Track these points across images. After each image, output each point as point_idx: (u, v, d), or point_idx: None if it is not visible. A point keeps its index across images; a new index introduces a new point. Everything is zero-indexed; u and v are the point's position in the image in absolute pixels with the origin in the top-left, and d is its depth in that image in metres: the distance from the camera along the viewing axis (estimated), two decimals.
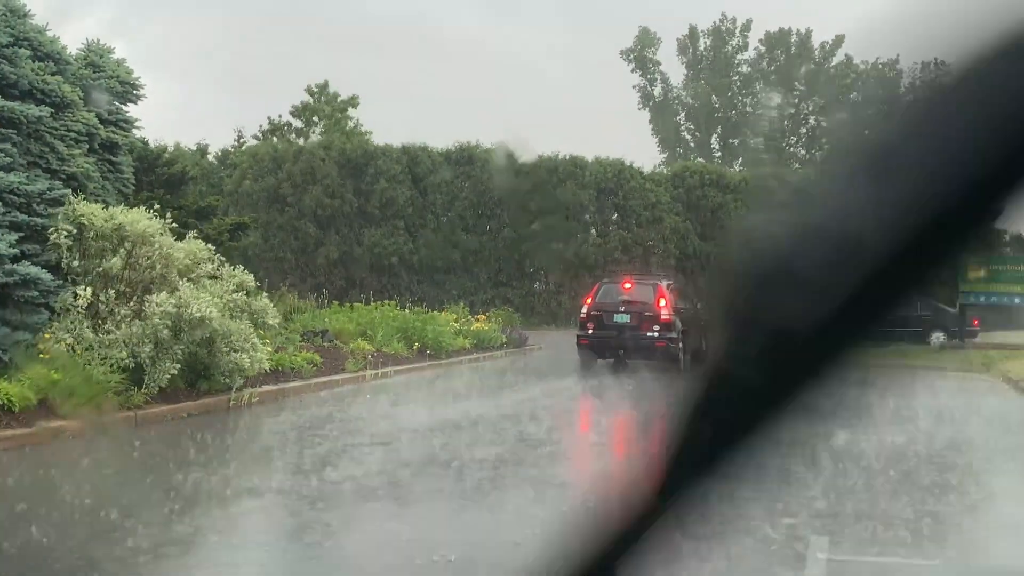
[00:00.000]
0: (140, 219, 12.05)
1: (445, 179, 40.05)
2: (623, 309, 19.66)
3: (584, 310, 20.44)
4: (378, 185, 39.86)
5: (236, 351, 12.18)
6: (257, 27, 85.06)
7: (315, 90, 47.22)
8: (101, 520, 6.47)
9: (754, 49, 66.07)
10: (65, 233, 11.80)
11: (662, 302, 19.53)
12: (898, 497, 7.87)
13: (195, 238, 13.47)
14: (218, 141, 61.14)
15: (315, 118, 46.86)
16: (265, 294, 14.31)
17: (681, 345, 19.51)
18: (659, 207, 39.35)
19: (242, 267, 13.81)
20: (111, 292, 11.82)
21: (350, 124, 46.58)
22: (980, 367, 20.78)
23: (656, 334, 19.20)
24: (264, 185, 40.17)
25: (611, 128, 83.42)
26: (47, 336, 11.37)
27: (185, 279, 12.33)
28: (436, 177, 40.05)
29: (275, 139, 45.85)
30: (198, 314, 11.33)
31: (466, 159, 40.43)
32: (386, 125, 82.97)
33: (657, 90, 66.95)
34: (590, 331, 19.78)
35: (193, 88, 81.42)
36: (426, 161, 40.37)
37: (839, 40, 64.92)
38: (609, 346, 19.85)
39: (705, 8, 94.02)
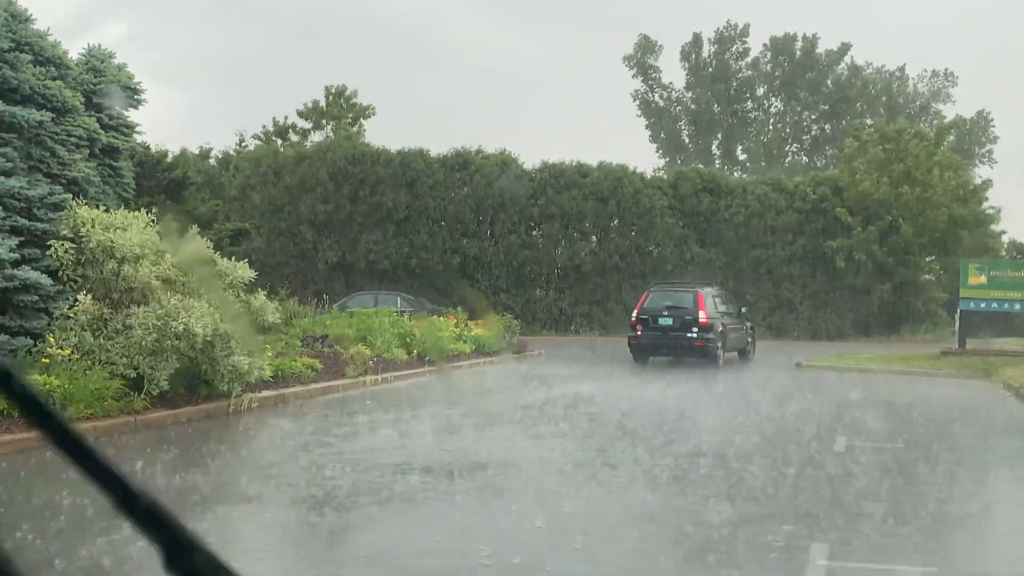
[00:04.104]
0: (133, 238, 11.90)
1: (443, 184, 40.04)
2: (667, 313, 22.45)
3: (634, 314, 23.29)
4: (377, 191, 39.85)
5: (235, 354, 12.12)
6: (265, 33, 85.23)
7: (332, 92, 47.27)
8: (96, 524, 6.46)
9: (760, 53, 66.10)
10: (63, 248, 11.74)
11: (701, 307, 22.22)
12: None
13: (196, 234, 13.31)
14: (224, 144, 61.30)
15: (324, 121, 46.92)
16: (263, 293, 14.18)
17: (720, 345, 22.25)
18: (655, 212, 39.32)
19: (236, 260, 13.60)
20: (106, 302, 11.78)
21: (354, 129, 46.62)
22: (980, 373, 20.76)
23: (695, 335, 21.95)
24: (265, 194, 40.19)
25: (612, 134, 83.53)
26: (52, 341, 11.36)
27: (175, 288, 12.21)
28: (433, 181, 40.04)
29: (279, 141, 45.90)
30: (181, 327, 11.26)
31: (465, 164, 40.40)
32: (387, 129, 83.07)
33: (657, 96, 67.08)
34: (639, 332, 22.67)
35: (201, 93, 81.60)
36: (424, 166, 40.34)
37: (845, 48, 64.99)
38: (654, 345, 22.70)
39: (707, 15, 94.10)
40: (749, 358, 24.81)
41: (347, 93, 47.15)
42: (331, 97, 47.12)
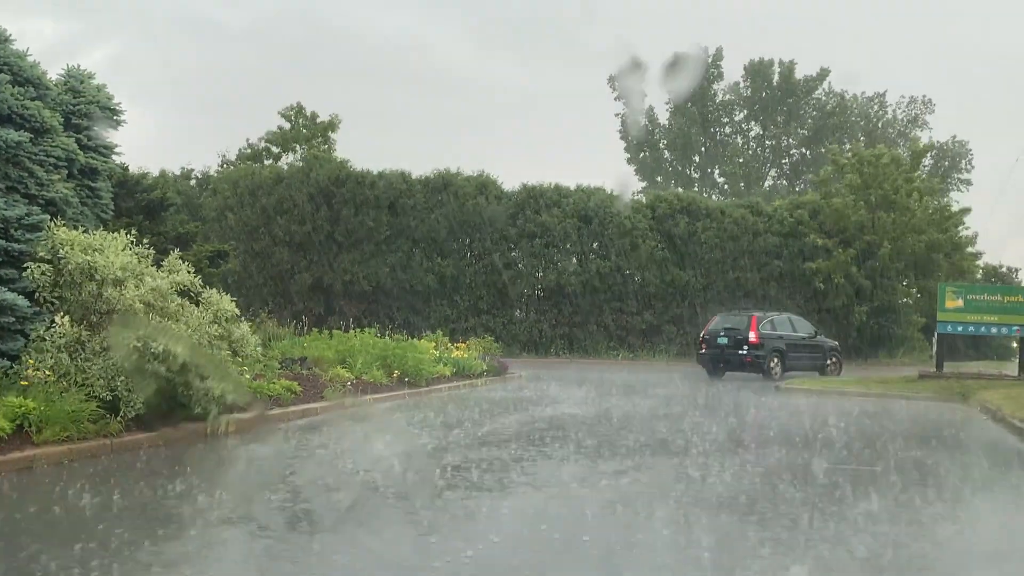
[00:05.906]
0: (115, 261, 11.82)
1: (423, 205, 40.06)
2: (723, 334, 27.25)
3: (701, 334, 28.37)
4: (361, 212, 39.80)
5: (206, 378, 12.03)
6: (248, 56, 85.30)
7: (290, 112, 47.11)
8: (68, 552, 6.39)
9: (743, 77, 66.68)
10: (41, 270, 11.66)
11: (752, 328, 26.78)
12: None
13: (177, 259, 13.26)
14: (205, 165, 61.23)
15: (292, 144, 46.76)
16: (245, 320, 14.17)
17: (776, 362, 26.88)
18: (636, 234, 39.51)
19: (223, 292, 13.65)
20: (84, 324, 11.69)
21: (326, 147, 46.52)
22: (958, 396, 20.88)
23: (746, 351, 26.63)
24: (242, 216, 40.08)
25: (592, 156, 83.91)
26: (31, 362, 11.26)
27: (155, 311, 12.13)
28: (414, 202, 40.06)
29: (255, 165, 45.74)
30: (161, 349, 11.19)
31: (446, 185, 40.45)
32: (368, 152, 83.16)
33: (640, 119, 67.52)
34: (703, 349, 27.83)
35: (183, 115, 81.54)
36: (405, 188, 40.36)
37: (824, 73, 65.60)
38: (714, 360, 27.46)
39: (691, 39, 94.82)
40: (828, 375, 27.83)
41: (307, 112, 47.03)
42: (292, 118, 47.02)
